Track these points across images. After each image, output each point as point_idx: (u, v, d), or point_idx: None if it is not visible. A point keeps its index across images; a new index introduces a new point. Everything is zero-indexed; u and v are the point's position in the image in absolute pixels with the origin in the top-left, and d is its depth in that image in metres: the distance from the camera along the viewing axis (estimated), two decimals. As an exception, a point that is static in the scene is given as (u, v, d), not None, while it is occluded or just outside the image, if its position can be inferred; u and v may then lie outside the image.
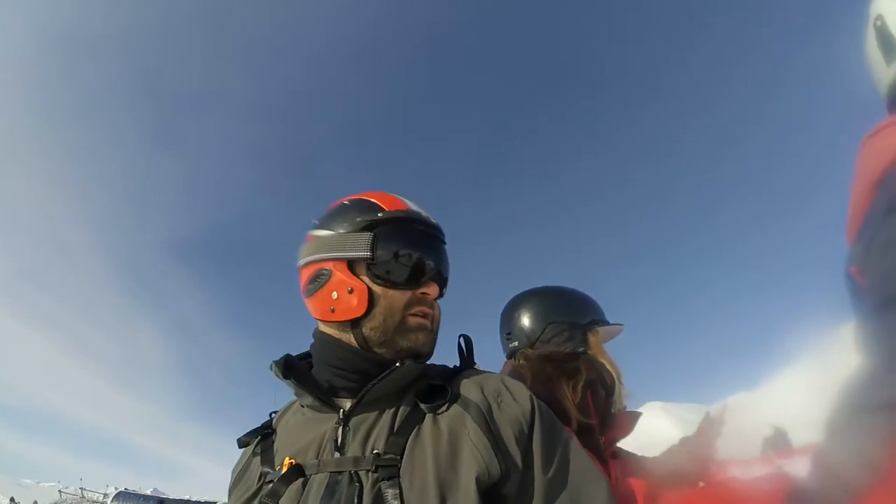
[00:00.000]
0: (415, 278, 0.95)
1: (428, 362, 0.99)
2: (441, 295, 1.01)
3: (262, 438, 0.98)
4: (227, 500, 1.00)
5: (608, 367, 1.37)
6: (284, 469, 0.86)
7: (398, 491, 0.77)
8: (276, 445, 0.95)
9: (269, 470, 0.90)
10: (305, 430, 0.93)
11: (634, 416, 1.39)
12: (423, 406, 0.87)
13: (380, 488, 0.78)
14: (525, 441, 0.85)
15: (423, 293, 0.96)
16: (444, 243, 1.03)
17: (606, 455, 1.28)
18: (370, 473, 0.80)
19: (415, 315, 0.95)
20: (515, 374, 1.33)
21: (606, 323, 1.48)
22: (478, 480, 0.78)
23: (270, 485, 0.86)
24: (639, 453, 1.46)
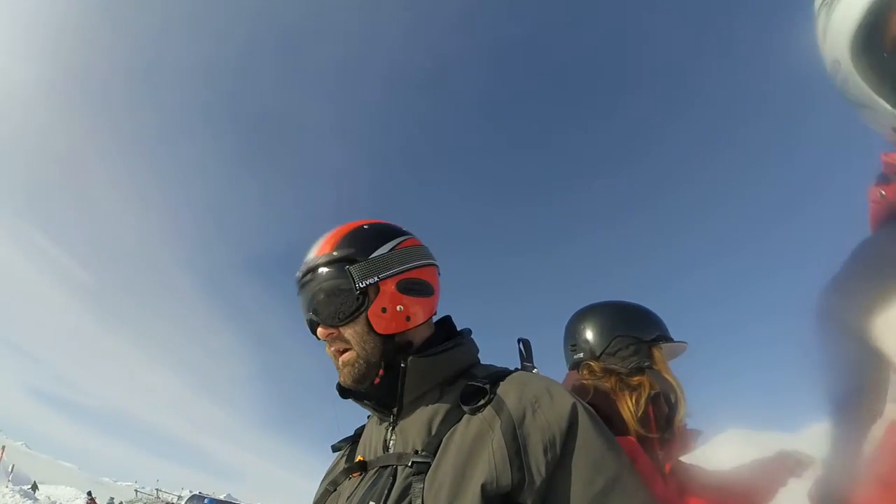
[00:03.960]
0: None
1: (483, 363, 1.06)
2: (332, 332, 1.00)
3: (352, 443, 1.12)
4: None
5: (672, 383, 1.36)
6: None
7: (422, 486, 0.83)
8: (358, 446, 1.08)
9: (346, 465, 1.03)
10: (372, 433, 1.04)
11: (696, 434, 1.38)
12: (464, 407, 0.91)
13: (410, 483, 0.84)
14: (556, 449, 0.83)
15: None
16: (306, 283, 1.02)
17: (665, 470, 1.29)
18: (405, 469, 0.87)
19: (334, 360, 1.02)
20: (578, 385, 1.36)
21: (671, 340, 1.46)
22: (483, 489, 0.79)
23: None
24: None
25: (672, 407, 1.32)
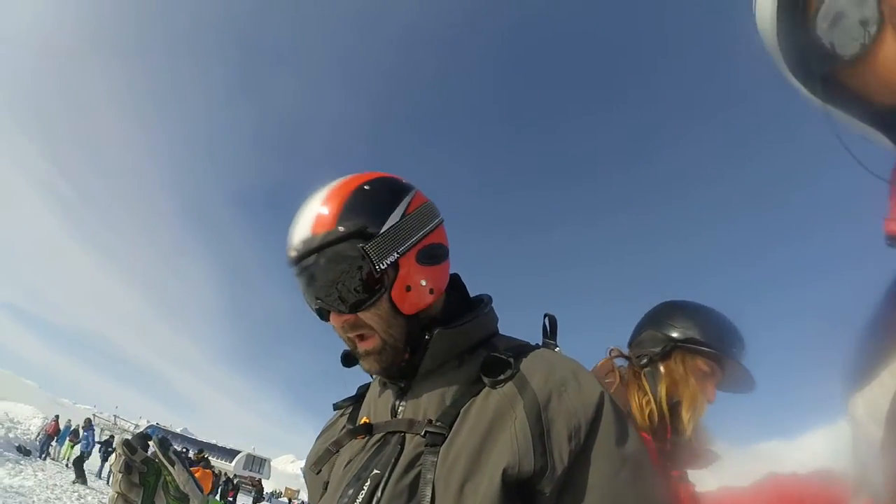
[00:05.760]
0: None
1: (502, 334, 0.98)
2: (349, 318, 0.87)
3: (354, 402, 1.06)
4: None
5: (661, 392, 1.27)
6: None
7: (436, 460, 0.77)
8: (362, 408, 1.01)
9: (350, 426, 0.96)
10: (381, 395, 0.96)
11: (711, 456, 1.28)
12: (485, 379, 0.84)
13: (420, 454, 0.79)
14: (579, 438, 0.78)
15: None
16: (309, 268, 0.86)
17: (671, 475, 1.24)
18: (416, 438, 0.81)
19: (352, 345, 0.92)
20: (607, 367, 1.36)
21: (715, 351, 1.29)
22: (504, 472, 0.74)
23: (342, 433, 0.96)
24: None
25: (664, 417, 1.25)
